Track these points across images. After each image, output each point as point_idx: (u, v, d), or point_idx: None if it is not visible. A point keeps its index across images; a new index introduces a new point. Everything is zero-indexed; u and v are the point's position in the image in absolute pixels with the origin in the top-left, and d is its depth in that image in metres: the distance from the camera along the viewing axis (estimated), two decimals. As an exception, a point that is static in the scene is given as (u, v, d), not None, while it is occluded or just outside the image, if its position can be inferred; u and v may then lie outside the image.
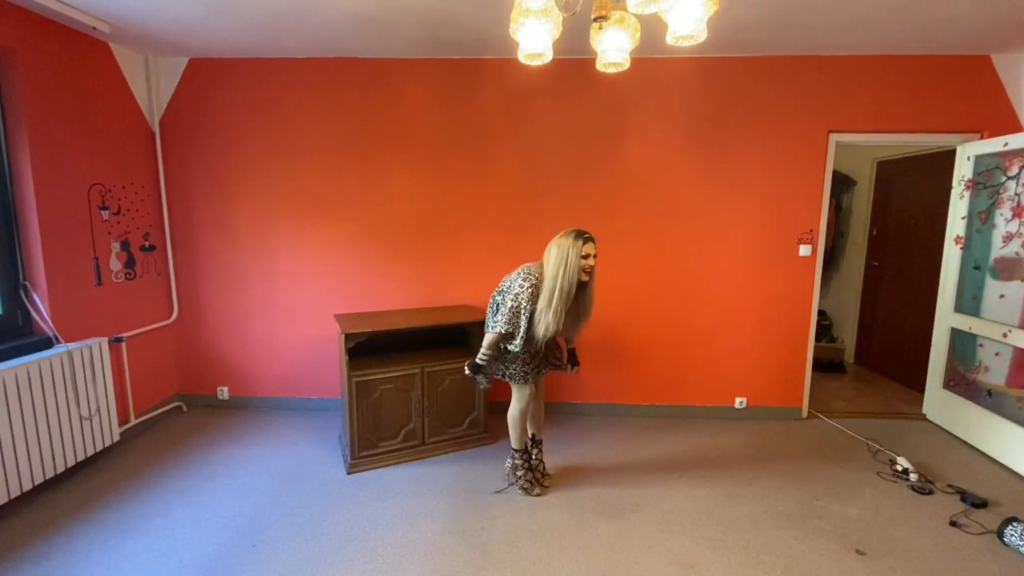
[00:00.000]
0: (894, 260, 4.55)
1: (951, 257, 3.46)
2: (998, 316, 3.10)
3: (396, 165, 3.51)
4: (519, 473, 2.66)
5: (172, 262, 3.61)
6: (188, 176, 3.55)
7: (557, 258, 2.30)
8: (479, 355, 2.47)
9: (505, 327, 2.38)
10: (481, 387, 2.64)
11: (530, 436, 2.75)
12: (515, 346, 2.42)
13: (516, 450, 2.67)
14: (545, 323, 2.31)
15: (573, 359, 2.70)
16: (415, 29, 2.89)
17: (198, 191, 3.56)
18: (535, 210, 3.51)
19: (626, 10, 1.45)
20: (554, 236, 2.38)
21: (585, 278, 2.34)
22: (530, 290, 2.34)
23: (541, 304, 2.33)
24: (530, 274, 2.37)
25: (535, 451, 2.77)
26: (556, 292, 2.28)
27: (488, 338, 2.45)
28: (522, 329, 2.37)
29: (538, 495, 2.64)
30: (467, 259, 3.59)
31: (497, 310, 2.49)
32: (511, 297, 2.38)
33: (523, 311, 2.35)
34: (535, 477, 2.71)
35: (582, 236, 2.30)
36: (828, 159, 3.39)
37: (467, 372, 2.51)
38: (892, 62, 3.26)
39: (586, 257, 2.30)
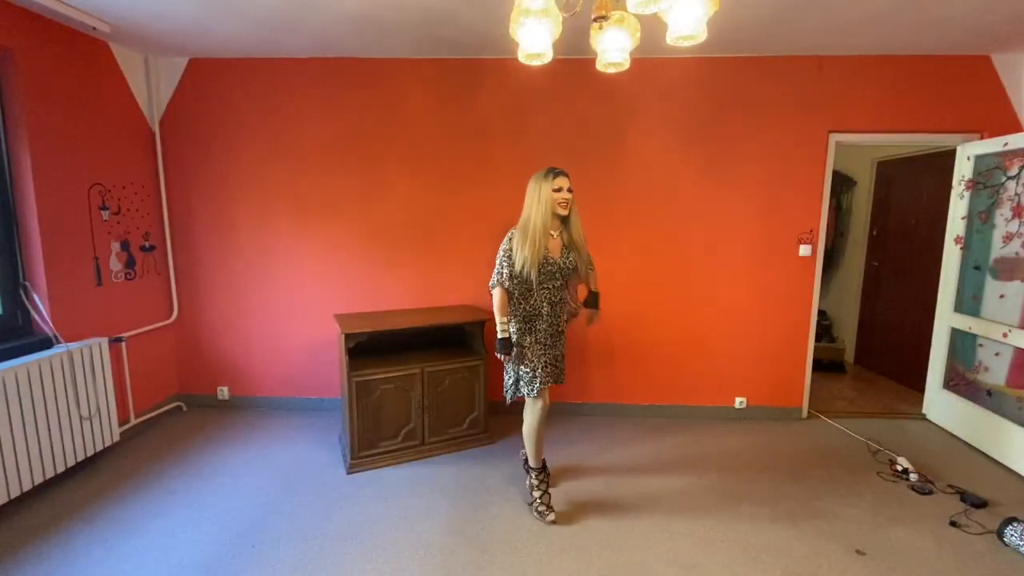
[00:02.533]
0: (894, 260, 4.55)
1: (951, 257, 3.46)
2: (998, 316, 3.10)
3: (396, 165, 3.51)
4: (535, 495, 2.51)
5: (172, 262, 3.61)
6: (188, 176, 3.55)
7: (530, 196, 2.38)
8: (498, 327, 2.41)
9: (494, 278, 2.41)
10: (509, 394, 2.50)
11: (534, 466, 2.60)
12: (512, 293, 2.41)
13: (532, 468, 2.56)
14: (522, 257, 2.32)
15: (594, 302, 2.59)
16: (415, 29, 2.89)
17: (198, 191, 3.56)
18: (535, 210, 3.50)
19: (626, 10, 1.45)
20: None
21: (562, 211, 2.36)
22: (508, 244, 2.39)
23: (517, 242, 2.35)
24: (511, 231, 2.44)
25: (523, 451, 2.71)
26: (531, 227, 2.33)
27: (494, 303, 2.41)
28: (507, 274, 2.37)
29: (552, 521, 2.41)
30: (467, 259, 3.59)
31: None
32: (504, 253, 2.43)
33: (503, 261, 2.38)
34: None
35: (552, 171, 2.36)
36: (828, 159, 3.39)
37: (498, 355, 2.43)
38: (892, 62, 3.26)
39: (558, 190, 2.33)
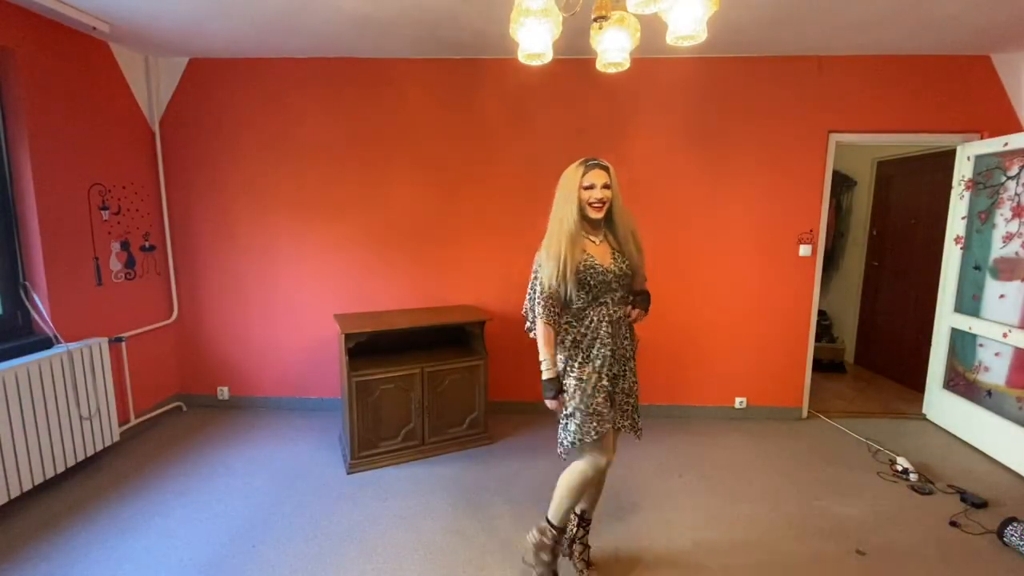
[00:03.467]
0: (894, 260, 4.55)
1: (951, 257, 3.46)
2: (998, 316, 3.10)
3: (396, 165, 3.51)
4: (544, 557, 1.97)
5: (172, 262, 3.61)
6: (188, 176, 3.55)
7: (557, 193, 1.91)
8: (542, 365, 1.89)
9: (527, 308, 1.97)
10: (568, 441, 1.89)
11: (578, 512, 2.10)
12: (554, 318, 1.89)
13: (551, 525, 1.96)
14: (547, 272, 1.83)
15: (642, 302, 2.01)
16: (415, 29, 2.89)
17: (198, 191, 3.56)
18: (535, 209, 3.45)
19: (626, 10, 1.45)
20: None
21: (595, 214, 1.85)
22: (537, 263, 1.94)
23: (543, 256, 1.88)
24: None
25: (580, 531, 2.09)
26: (554, 234, 1.85)
27: (538, 337, 1.91)
28: (542, 302, 1.89)
29: None
30: (467, 259, 3.59)
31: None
32: (533, 276, 1.95)
33: (536, 284, 1.92)
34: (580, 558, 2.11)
35: (586, 163, 1.85)
36: (828, 159, 3.39)
37: (547, 401, 1.91)
38: (892, 62, 3.26)
39: (590, 188, 1.82)
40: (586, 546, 2.12)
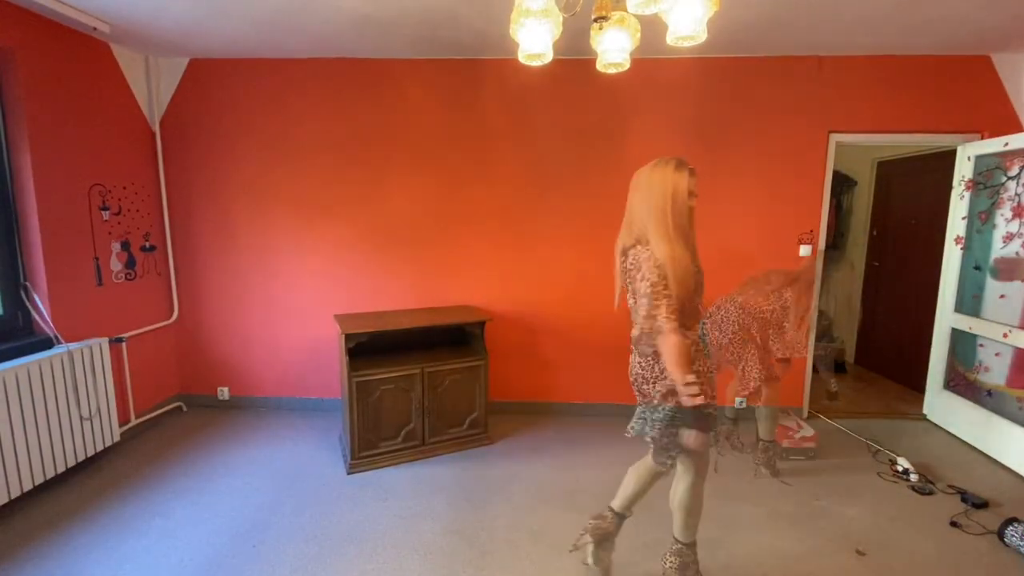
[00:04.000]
0: (894, 260, 4.55)
1: (951, 257, 3.46)
2: (998, 316, 3.10)
3: (396, 165, 3.51)
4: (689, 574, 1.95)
5: (172, 262, 3.62)
6: (188, 176, 3.55)
7: (660, 190, 1.75)
8: (684, 388, 1.66)
9: (660, 321, 1.69)
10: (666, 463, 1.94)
11: (618, 510, 2.13)
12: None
13: (685, 544, 1.95)
14: (679, 281, 1.71)
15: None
16: (415, 29, 2.89)
17: (198, 191, 3.56)
18: (536, 209, 3.51)
19: (626, 10, 1.45)
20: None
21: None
22: (658, 264, 1.72)
23: (654, 248, 1.72)
24: (642, 250, 1.78)
25: (615, 525, 2.13)
26: (675, 239, 1.72)
27: (672, 352, 1.67)
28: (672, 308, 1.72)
29: None
30: (468, 259, 3.59)
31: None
32: (643, 281, 1.73)
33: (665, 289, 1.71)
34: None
35: (687, 167, 1.76)
36: (828, 159, 3.39)
37: (691, 441, 1.78)
38: (892, 62, 3.26)
39: (690, 195, 1.79)
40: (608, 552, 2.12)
